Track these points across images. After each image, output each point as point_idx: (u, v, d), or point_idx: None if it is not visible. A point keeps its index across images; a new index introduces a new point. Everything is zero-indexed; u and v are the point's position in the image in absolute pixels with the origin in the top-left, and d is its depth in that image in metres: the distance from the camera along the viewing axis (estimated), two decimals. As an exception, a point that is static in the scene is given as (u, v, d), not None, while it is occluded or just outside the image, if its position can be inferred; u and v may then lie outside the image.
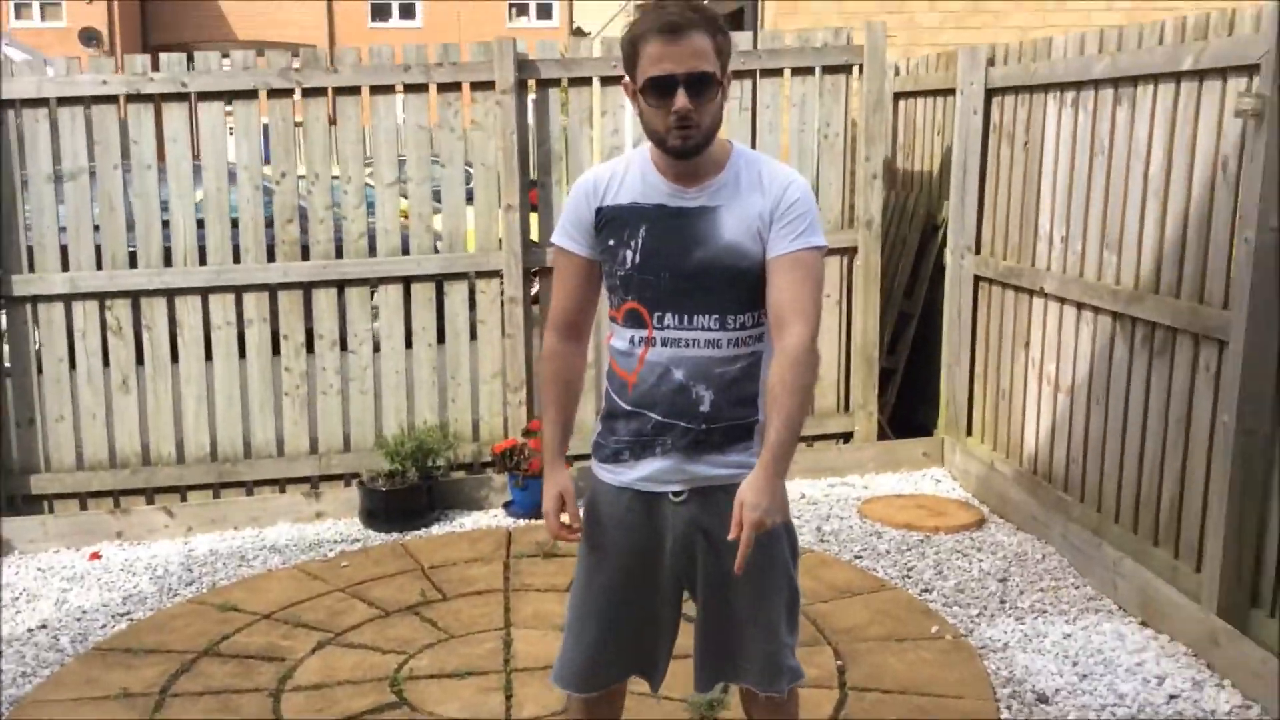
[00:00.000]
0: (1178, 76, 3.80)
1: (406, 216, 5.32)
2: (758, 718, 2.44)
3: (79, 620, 4.07)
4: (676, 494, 2.26)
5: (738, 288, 2.19)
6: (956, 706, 3.24)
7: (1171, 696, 3.30)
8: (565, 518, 2.33)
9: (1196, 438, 3.77)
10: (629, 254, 2.21)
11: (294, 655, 3.65)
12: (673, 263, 2.19)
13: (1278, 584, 3.43)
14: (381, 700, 3.36)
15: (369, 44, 5.38)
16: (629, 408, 2.25)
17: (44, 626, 4.04)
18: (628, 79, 2.19)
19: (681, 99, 2.08)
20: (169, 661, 3.63)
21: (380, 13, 29.54)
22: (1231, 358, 3.46)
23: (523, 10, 30.24)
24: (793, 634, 2.38)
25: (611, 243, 2.23)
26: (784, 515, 2.11)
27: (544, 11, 30.16)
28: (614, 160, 2.32)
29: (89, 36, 27.49)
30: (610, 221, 2.23)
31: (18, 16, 27.49)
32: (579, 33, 18.32)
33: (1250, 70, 3.36)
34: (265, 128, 5.20)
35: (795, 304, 2.14)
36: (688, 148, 2.14)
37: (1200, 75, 3.69)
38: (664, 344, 2.20)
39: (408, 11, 29.70)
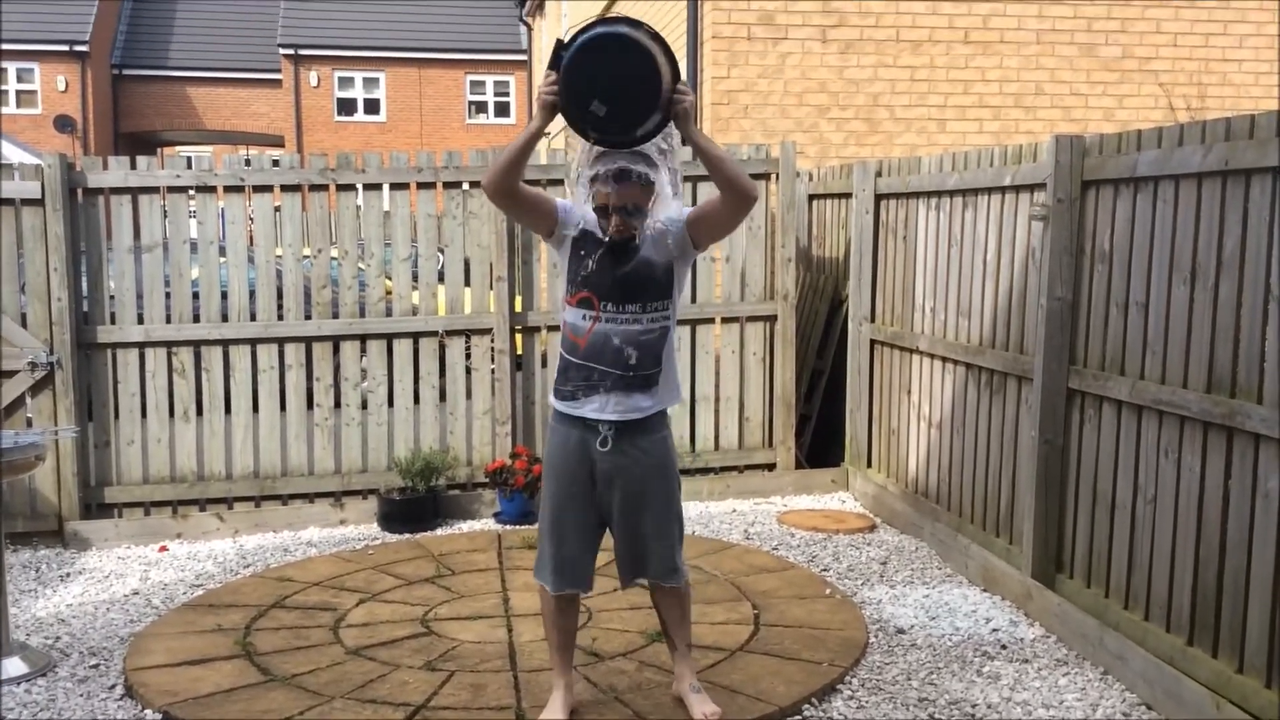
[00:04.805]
0: (1003, 190, 5.22)
1: (390, 294, 6.52)
2: (661, 602, 3.69)
3: (163, 588, 5.19)
4: (606, 428, 3.46)
5: (653, 288, 3.49)
6: (838, 635, 4.47)
7: (994, 630, 4.56)
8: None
9: (1021, 452, 5.09)
10: (590, 263, 3.48)
11: (343, 607, 4.81)
12: (612, 273, 3.47)
13: (1074, 554, 4.73)
14: (415, 631, 4.52)
15: (336, 136, 6.74)
16: (579, 361, 3.50)
17: (136, 593, 5.15)
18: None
19: (619, 219, 3.38)
20: (246, 611, 4.76)
21: (346, 108, 31.05)
22: (1035, 389, 4.82)
23: (481, 108, 31.93)
24: (680, 544, 3.66)
25: (582, 253, 3.50)
26: (693, 107, 3.36)
27: (501, 109, 31.89)
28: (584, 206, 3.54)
29: (64, 123, 28.67)
30: (583, 238, 3.50)
31: (-7, 103, 28.63)
32: (539, 132, 19.85)
33: (1042, 187, 4.78)
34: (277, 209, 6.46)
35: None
36: (622, 241, 3.44)
37: (1017, 189, 5.11)
38: (606, 320, 3.47)
39: (372, 107, 31.25)
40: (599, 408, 3.49)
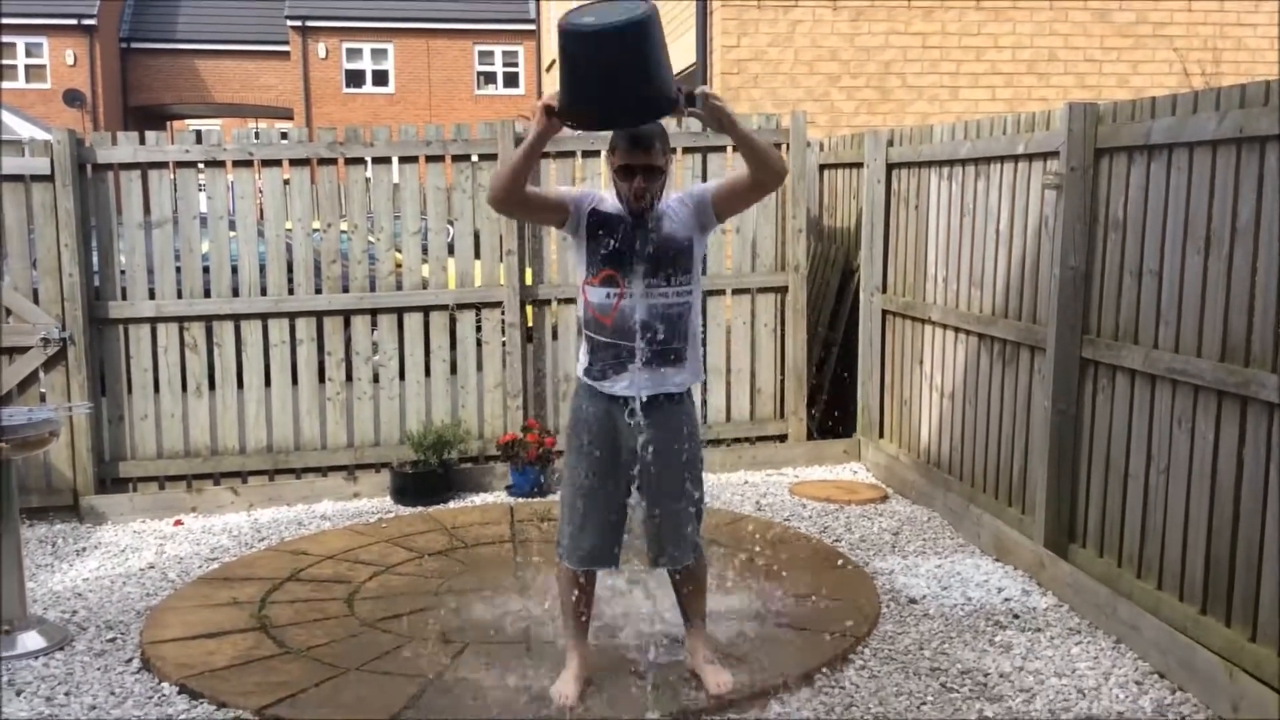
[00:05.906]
0: (1015, 158, 5.18)
1: (400, 268, 6.54)
2: (677, 576, 3.70)
3: (179, 562, 5.23)
4: (636, 404, 3.47)
5: (676, 261, 3.49)
6: (850, 605, 4.47)
7: (1006, 599, 4.56)
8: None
9: (1033, 422, 5.07)
10: (611, 241, 3.49)
11: (358, 579, 4.84)
12: (635, 248, 3.47)
13: (1087, 523, 4.72)
14: (429, 603, 4.54)
15: (344, 108, 6.70)
16: (606, 340, 3.51)
17: (152, 567, 5.19)
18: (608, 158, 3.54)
19: (639, 181, 3.41)
20: (261, 584, 4.79)
21: (354, 79, 30.91)
22: (1048, 359, 4.79)
23: (490, 79, 31.75)
24: (699, 522, 3.68)
25: (601, 233, 3.51)
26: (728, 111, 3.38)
27: (510, 80, 31.70)
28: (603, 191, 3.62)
29: (72, 97, 28.62)
30: (599, 219, 3.52)
31: (2, 78, 28.56)
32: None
33: (1054, 155, 4.74)
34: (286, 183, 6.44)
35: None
36: (640, 209, 3.46)
37: (1030, 158, 5.06)
38: (631, 297, 3.48)
39: (380, 79, 31.11)
40: (628, 385, 3.51)
